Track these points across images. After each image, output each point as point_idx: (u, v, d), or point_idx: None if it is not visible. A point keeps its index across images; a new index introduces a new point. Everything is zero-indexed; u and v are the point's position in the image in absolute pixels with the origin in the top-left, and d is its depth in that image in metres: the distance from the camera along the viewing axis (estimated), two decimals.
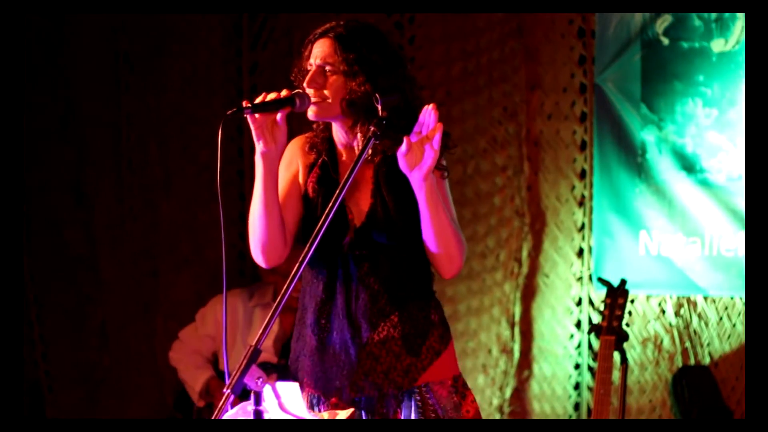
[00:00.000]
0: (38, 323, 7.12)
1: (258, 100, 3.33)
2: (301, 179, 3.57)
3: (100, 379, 7.15)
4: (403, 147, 3.25)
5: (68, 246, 7.12)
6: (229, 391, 2.93)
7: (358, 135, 3.46)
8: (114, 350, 7.14)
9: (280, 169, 3.47)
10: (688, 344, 6.13)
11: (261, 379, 2.96)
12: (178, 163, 6.98)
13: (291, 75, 3.51)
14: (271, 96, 3.33)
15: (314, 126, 3.58)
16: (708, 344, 6.09)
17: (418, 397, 3.49)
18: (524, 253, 6.45)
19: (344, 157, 3.53)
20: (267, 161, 3.39)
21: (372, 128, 3.26)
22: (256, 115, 3.32)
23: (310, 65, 3.44)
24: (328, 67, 3.42)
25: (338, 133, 3.53)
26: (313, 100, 3.40)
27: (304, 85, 3.41)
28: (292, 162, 3.58)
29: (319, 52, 3.43)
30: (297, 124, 3.56)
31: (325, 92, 3.41)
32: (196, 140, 6.93)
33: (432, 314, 3.54)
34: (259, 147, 3.37)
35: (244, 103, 3.30)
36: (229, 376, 2.95)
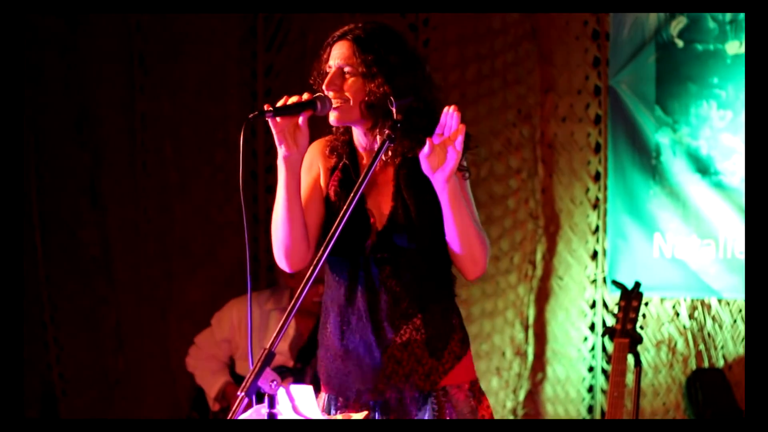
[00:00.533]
0: (53, 325, 7.14)
1: (279, 103, 3.32)
2: (322, 182, 3.55)
3: (114, 382, 7.16)
4: (426, 149, 3.24)
5: (83, 248, 7.14)
6: (243, 394, 2.93)
7: (378, 137, 3.46)
8: (128, 352, 7.15)
9: (301, 172, 3.47)
10: (702, 347, 6.13)
11: (275, 382, 2.97)
12: (192, 165, 6.99)
13: (310, 78, 3.51)
14: (293, 99, 3.33)
15: (334, 129, 3.58)
16: (722, 347, 6.08)
17: (434, 401, 3.48)
18: (538, 256, 6.44)
19: (365, 161, 3.51)
20: (289, 165, 3.38)
21: (387, 131, 3.26)
22: (278, 119, 3.31)
23: (329, 67, 3.44)
24: (347, 69, 3.41)
25: (358, 136, 3.52)
26: (334, 104, 3.39)
27: (324, 87, 3.41)
28: (313, 165, 3.57)
29: (337, 54, 3.43)
30: (315, 128, 3.56)
31: (346, 94, 3.41)
32: (210, 142, 6.95)
33: (453, 318, 3.52)
34: (281, 151, 3.35)
35: (266, 107, 3.29)
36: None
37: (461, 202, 3.35)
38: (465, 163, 3.46)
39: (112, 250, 7.13)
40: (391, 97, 3.32)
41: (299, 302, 3.03)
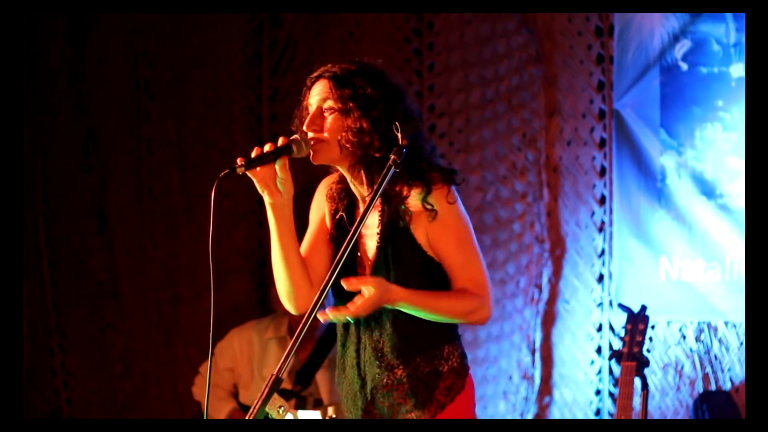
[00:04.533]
0: (60, 352, 7.15)
1: (253, 154, 3.31)
2: (327, 223, 3.53)
3: (121, 407, 7.16)
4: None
5: (90, 273, 7.16)
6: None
7: (364, 176, 3.42)
8: (135, 377, 7.15)
9: (311, 211, 3.45)
10: (708, 369, 6.12)
11: (282, 408, 2.97)
12: (198, 190, 7.01)
13: (292, 125, 3.46)
14: (267, 147, 3.30)
15: (335, 174, 3.52)
16: (729, 369, 6.07)
17: None
18: (544, 280, 6.44)
19: (362, 210, 3.40)
20: (277, 210, 3.38)
21: (392, 156, 3.19)
22: (258, 168, 3.30)
23: (309, 106, 3.39)
24: (326, 106, 3.36)
25: (351, 180, 3.45)
26: (312, 143, 3.33)
27: (304, 128, 3.36)
28: (321, 205, 3.55)
29: (316, 92, 3.38)
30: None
31: (324, 134, 3.34)
32: (216, 167, 6.95)
33: (441, 365, 3.40)
34: (266, 198, 3.36)
35: (239, 161, 3.29)
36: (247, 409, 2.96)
37: (424, 301, 3.29)
38: (432, 203, 3.34)
39: (120, 276, 7.14)
40: (397, 123, 3.24)
41: (301, 337, 3.03)
